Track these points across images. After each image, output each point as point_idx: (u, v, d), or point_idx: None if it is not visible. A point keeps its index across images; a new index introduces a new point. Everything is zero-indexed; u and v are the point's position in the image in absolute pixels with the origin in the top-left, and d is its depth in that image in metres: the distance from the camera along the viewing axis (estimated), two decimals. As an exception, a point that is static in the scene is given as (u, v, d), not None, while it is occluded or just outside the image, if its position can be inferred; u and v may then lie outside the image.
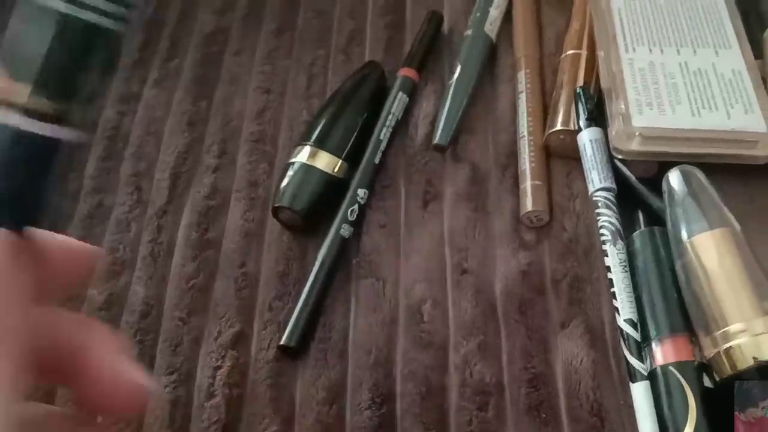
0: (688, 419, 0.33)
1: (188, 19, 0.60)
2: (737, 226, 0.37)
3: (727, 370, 0.33)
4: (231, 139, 0.51)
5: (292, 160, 0.46)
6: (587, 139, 0.43)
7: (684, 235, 0.37)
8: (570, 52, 0.49)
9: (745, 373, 0.33)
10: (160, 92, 0.55)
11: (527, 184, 0.44)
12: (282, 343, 0.41)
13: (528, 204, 0.44)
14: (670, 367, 0.35)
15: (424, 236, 0.45)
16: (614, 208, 0.41)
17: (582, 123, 0.44)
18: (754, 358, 0.33)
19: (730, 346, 0.33)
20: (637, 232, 0.40)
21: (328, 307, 0.43)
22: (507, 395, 0.39)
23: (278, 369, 0.41)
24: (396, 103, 0.49)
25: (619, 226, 0.41)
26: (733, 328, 0.33)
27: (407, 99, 0.50)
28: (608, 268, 0.40)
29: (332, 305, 0.43)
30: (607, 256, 0.40)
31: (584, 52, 0.48)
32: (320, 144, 0.46)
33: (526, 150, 0.46)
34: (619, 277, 0.39)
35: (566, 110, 0.46)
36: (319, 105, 0.51)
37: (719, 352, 0.34)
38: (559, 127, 0.45)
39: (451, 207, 0.45)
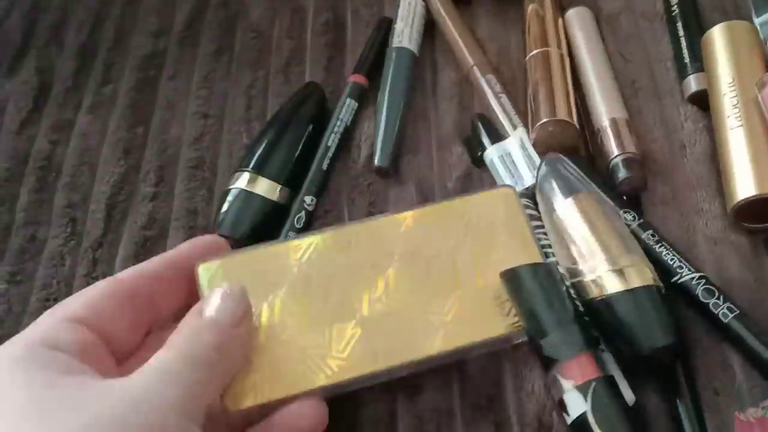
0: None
1: (122, 43, 0.58)
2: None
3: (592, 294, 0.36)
4: (168, 166, 0.50)
5: (231, 186, 0.45)
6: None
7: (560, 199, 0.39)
8: (536, 50, 0.48)
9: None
10: (94, 120, 0.53)
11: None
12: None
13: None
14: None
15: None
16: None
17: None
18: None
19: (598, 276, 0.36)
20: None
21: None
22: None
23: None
24: (344, 109, 0.49)
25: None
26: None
27: (356, 105, 0.49)
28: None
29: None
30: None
31: (553, 49, 0.48)
32: (259, 170, 0.45)
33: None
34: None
35: (549, 103, 0.45)
36: (259, 128, 0.50)
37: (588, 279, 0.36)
38: (546, 118, 0.44)
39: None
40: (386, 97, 0.49)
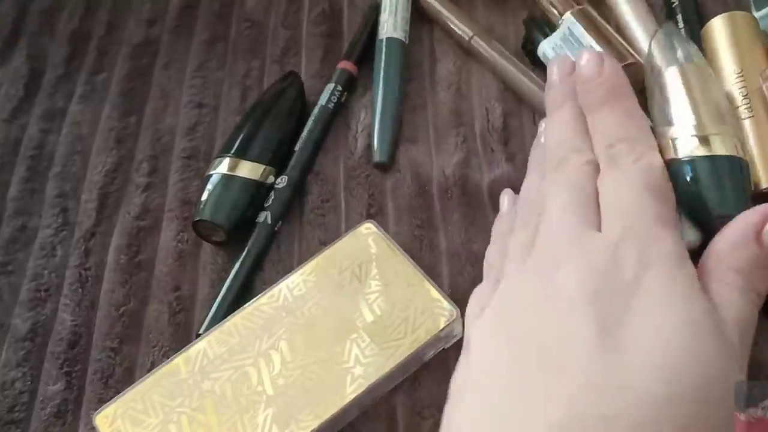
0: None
1: (116, 31, 0.57)
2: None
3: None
4: (162, 156, 0.49)
5: (211, 172, 0.44)
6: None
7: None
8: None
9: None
10: (87, 108, 0.53)
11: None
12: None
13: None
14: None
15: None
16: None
17: None
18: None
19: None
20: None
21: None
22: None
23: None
24: (327, 92, 0.48)
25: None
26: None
27: (340, 89, 0.49)
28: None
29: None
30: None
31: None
32: (241, 154, 0.44)
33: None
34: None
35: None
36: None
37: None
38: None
39: (395, 222, 0.44)
40: (380, 91, 0.48)
